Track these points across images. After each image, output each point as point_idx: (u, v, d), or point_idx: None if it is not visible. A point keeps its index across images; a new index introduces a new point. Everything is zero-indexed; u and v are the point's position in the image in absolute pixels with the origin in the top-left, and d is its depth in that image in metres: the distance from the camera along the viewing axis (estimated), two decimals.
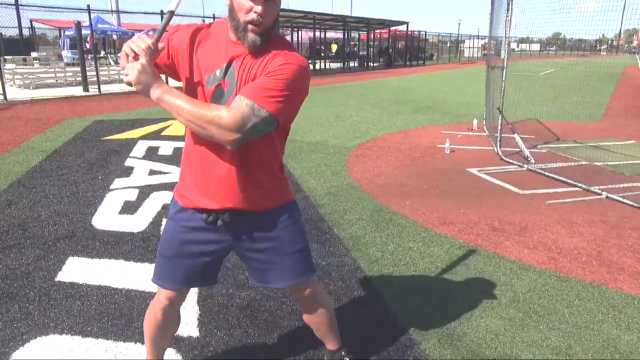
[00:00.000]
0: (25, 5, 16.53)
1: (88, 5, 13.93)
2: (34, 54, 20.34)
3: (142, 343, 2.26)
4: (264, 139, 1.57)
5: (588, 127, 8.84)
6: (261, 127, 1.46)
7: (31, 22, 24.21)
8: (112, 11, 23.55)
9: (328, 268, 3.16)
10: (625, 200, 4.50)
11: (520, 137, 6.56)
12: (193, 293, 2.78)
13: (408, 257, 3.35)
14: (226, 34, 1.57)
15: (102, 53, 21.31)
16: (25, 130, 7.76)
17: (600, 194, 4.72)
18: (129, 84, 1.47)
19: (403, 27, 33.05)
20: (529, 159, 6.02)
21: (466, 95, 14.24)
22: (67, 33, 21.37)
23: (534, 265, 3.23)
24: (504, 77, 6.43)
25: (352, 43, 35.23)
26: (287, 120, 1.61)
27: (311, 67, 25.26)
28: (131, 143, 6.89)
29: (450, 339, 2.41)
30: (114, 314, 2.59)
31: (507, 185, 5.08)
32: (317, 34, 28.55)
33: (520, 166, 5.84)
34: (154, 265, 1.91)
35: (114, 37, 24.09)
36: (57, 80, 15.18)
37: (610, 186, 4.92)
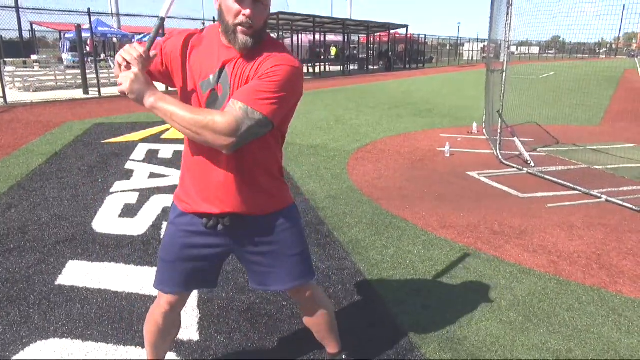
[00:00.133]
0: (25, 8, 16.59)
1: (88, 8, 13.96)
2: (34, 57, 20.33)
3: (143, 347, 2.26)
4: (259, 142, 1.57)
5: (587, 131, 8.85)
6: (256, 130, 1.46)
7: (31, 24, 24.21)
8: (112, 14, 23.61)
9: (328, 271, 3.16)
10: (625, 204, 4.51)
11: (520, 141, 6.56)
12: (193, 297, 2.78)
13: (408, 261, 3.35)
14: (218, 38, 1.57)
15: (102, 56, 21.32)
16: (25, 133, 7.77)
17: (599, 198, 4.72)
18: (123, 93, 1.48)
19: (403, 31, 33.13)
20: (529, 162, 6.03)
21: (466, 98, 14.26)
22: (67, 36, 21.41)
23: (534, 269, 3.24)
24: (503, 80, 6.44)
25: (352, 46, 35.31)
26: (282, 122, 1.60)
27: (311, 70, 25.38)
28: (131, 146, 6.90)
29: (450, 343, 2.41)
30: (114, 318, 2.59)
31: (506, 189, 5.08)
32: (317, 37, 28.61)
33: (519, 169, 5.85)
34: (154, 268, 1.91)
35: (114, 40, 24.10)
36: (57, 83, 15.19)
37: (609, 189, 4.92)
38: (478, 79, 15.42)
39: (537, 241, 3.71)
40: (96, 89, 13.74)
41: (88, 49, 17.44)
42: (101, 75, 14.14)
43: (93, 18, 15.17)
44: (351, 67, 30.20)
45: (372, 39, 34.72)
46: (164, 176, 5.35)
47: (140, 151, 6.57)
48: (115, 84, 1.68)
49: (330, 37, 33.65)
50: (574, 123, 9.36)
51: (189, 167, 1.69)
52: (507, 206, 4.53)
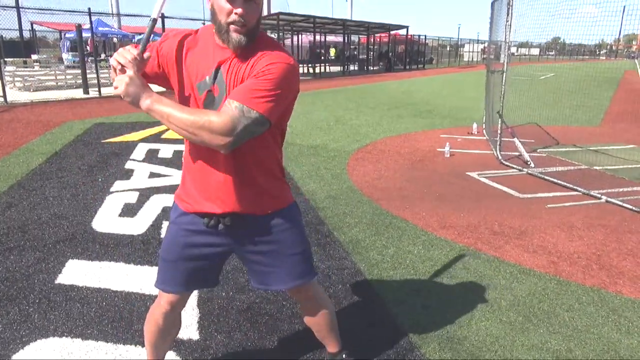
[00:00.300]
0: (26, 8, 16.60)
1: (89, 8, 13.96)
2: (34, 57, 20.35)
3: (142, 346, 2.26)
4: (259, 141, 1.57)
5: (587, 131, 8.86)
6: (252, 128, 1.45)
7: (32, 24, 24.24)
8: (112, 14, 23.63)
9: (328, 271, 3.16)
10: (624, 205, 4.51)
11: (520, 141, 6.57)
12: (193, 296, 2.78)
13: (408, 261, 3.35)
14: (213, 39, 1.56)
15: (103, 56, 21.32)
16: (25, 133, 7.77)
17: (599, 198, 4.72)
18: (119, 96, 1.48)
19: (403, 31, 33.14)
20: (529, 162, 6.04)
21: (466, 99, 14.27)
22: (67, 36, 21.43)
23: (534, 269, 3.24)
24: (503, 81, 6.44)
25: (352, 47, 35.31)
26: (280, 120, 1.60)
27: (311, 70, 25.39)
28: (131, 145, 6.90)
29: (450, 343, 2.41)
30: (114, 317, 2.59)
31: (506, 189, 5.08)
32: (318, 37, 28.62)
33: (520, 170, 5.85)
34: (154, 268, 1.91)
35: (115, 40, 24.14)
36: (57, 83, 15.19)
37: (609, 190, 4.93)
38: (478, 80, 15.42)
39: (537, 241, 3.71)
40: (96, 89, 13.74)
41: (88, 48, 17.45)
42: (101, 75, 14.14)
43: (93, 18, 15.18)
44: (351, 68, 30.21)
45: (372, 40, 34.73)
46: (164, 176, 5.35)
47: (141, 151, 6.57)
48: None
49: (331, 38, 33.67)
50: (574, 124, 9.36)
51: (189, 168, 1.69)
52: (507, 207, 4.53)
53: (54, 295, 2.80)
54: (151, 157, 6.25)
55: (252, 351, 2.34)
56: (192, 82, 1.57)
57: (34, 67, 17.69)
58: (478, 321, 2.60)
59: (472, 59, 49.37)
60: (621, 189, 5.04)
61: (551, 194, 4.90)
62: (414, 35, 36.15)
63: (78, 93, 13.76)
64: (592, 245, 3.65)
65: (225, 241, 1.73)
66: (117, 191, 4.80)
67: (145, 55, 1.52)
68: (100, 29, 20.38)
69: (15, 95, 12.62)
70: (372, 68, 32.41)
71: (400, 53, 35.59)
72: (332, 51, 34.39)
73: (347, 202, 4.59)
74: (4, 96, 11.52)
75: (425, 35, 37.43)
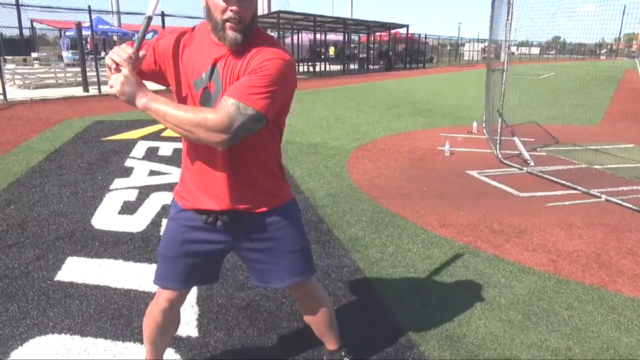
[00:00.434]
0: (25, 5, 16.57)
1: (89, 6, 13.95)
2: (34, 54, 20.35)
3: (141, 343, 2.26)
4: (257, 138, 1.57)
5: (587, 130, 8.85)
6: (249, 125, 1.44)
7: (32, 22, 24.24)
8: (112, 12, 23.60)
9: (327, 269, 3.16)
10: (624, 203, 4.51)
11: (520, 140, 6.56)
12: (192, 293, 2.78)
13: (407, 259, 3.35)
14: (209, 36, 1.56)
15: (103, 54, 21.29)
16: (25, 130, 7.76)
17: (599, 197, 4.72)
18: (115, 95, 1.47)
19: (403, 30, 33.12)
20: (529, 161, 6.03)
21: (466, 98, 14.26)
22: (67, 33, 21.39)
23: (534, 268, 3.23)
24: (504, 80, 6.43)
25: (352, 46, 35.27)
26: (277, 116, 1.59)
27: (311, 69, 25.36)
28: (131, 143, 6.89)
29: (449, 341, 2.40)
30: (113, 314, 2.59)
31: (506, 188, 5.08)
32: (318, 36, 28.59)
33: (519, 169, 5.85)
34: (153, 265, 1.91)
35: (115, 38, 24.11)
36: (57, 81, 15.19)
37: (609, 189, 4.92)
38: (478, 79, 15.41)
39: (536, 240, 3.71)
40: (96, 87, 13.73)
41: (88, 46, 17.44)
42: (101, 73, 14.11)
43: (93, 16, 15.16)
44: (351, 67, 30.18)
45: (372, 39, 34.70)
46: (163, 174, 5.35)
47: (140, 149, 6.57)
48: None
49: (331, 37, 33.64)
50: (574, 123, 9.36)
51: (188, 164, 1.69)
52: (507, 205, 4.53)
53: (53, 292, 2.80)
54: (151, 154, 6.24)
55: (251, 349, 2.34)
56: (189, 79, 1.56)
57: (33, 65, 17.69)
58: (477, 319, 2.60)
59: (473, 58, 49.34)
60: (621, 188, 5.04)
61: (551, 193, 4.90)
62: (414, 34, 36.14)
63: (78, 91, 13.75)
64: (591, 244, 3.65)
65: (224, 238, 1.72)
66: (117, 189, 4.79)
67: (141, 53, 1.51)
68: (100, 27, 20.35)
69: (15, 93, 12.61)
70: (372, 67, 32.38)
71: (401, 52, 35.57)
72: (332, 50, 34.36)
73: (346, 200, 4.59)
74: (4, 94, 11.51)
75: (426, 34, 37.41)
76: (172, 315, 1.88)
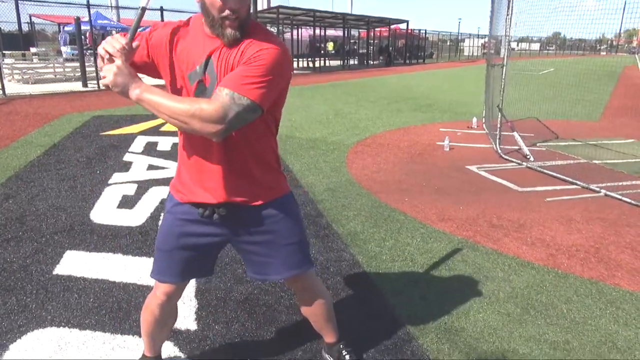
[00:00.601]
0: (24, 0, 16.50)
1: (88, 1, 13.91)
2: (33, 49, 20.26)
3: (140, 336, 2.25)
4: (252, 130, 1.56)
5: (587, 126, 8.85)
6: (244, 115, 1.43)
7: (30, 17, 24.13)
8: (111, 7, 23.53)
9: (326, 263, 3.16)
10: (623, 198, 4.51)
11: (520, 135, 6.56)
12: (191, 287, 2.78)
13: (406, 253, 3.34)
14: (202, 29, 1.55)
15: None
16: (23, 125, 7.74)
17: (598, 192, 4.72)
18: (107, 86, 1.45)
19: (403, 26, 33.04)
20: (528, 156, 6.03)
21: (466, 93, 14.23)
22: (66, 29, 21.33)
23: (532, 262, 3.24)
24: (503, 75, 6.42)
25: (352, 41, 35.18)
26: (273, 107, 1.58)
27: (311, 64, 25.30)
28: (130, 138, 6.88)
29: (448, 334, 2.41)
30: (111, 307, 2.59)
31: (506, 183, 5.08)
32: (317, 31, 28.51)
33: (519, 164, 5.85)
34: (152, 259, 1.91)
35: (114, 33, 24.03)
36: (56, 76, 15.16)
37: (608, 184, 4.92)
38: (478, 74, 15.35)
39: (535, 234, 3.71)
40: (95, 82, 13.69)
41: (87, 41, 17.37)
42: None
43: (92, 11, 15.13)
44: (351, 62, 30.11)
45: (372, 34, 34.61)
46: (162, 168, 5.35)
47: (139, 143, 6.55)
48: None
49: (331, 32, 33.54)
50: (573, 118, 9.35)
51: (184, 158, 1.68)
52: (506, 200, 4.52)
53: (51, 285, 2.80)
54: (150, 149, 6.23)
55: (249, 342, 2.34)
56: (183, 72, 1.55)
57: (32, 60, 17.64)
58: (476, 312, 2.60)
59: (472, 53, 49.22)
60: (620, 183, 5.04)
61: (550, 188, 4.90)
62: (414, 29, 36.03)
63: (77, 86, 13.71)
64: (590, 238, 3.65)
65: (221, 231, 1.72)
66: (116, 183, 4.79)
67: (134, 44, 1.50)
68: (99, 21, 20.26)
69: (13, 87, 12.58)
70: (372, 62, 32.31)
71: (401, 47, 35.48)
72: (330, 45, 34.27)
73: (345, 194, 4.59)
74: (3, 89, 11.47)
75: (426, 30, 37.34)
76: (169, 309, 1.88)
